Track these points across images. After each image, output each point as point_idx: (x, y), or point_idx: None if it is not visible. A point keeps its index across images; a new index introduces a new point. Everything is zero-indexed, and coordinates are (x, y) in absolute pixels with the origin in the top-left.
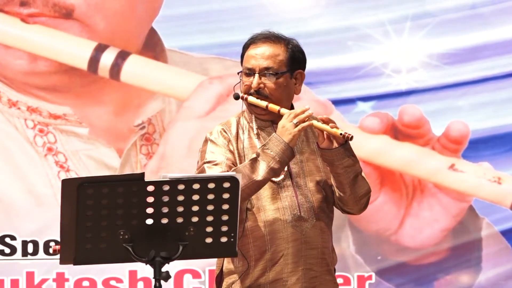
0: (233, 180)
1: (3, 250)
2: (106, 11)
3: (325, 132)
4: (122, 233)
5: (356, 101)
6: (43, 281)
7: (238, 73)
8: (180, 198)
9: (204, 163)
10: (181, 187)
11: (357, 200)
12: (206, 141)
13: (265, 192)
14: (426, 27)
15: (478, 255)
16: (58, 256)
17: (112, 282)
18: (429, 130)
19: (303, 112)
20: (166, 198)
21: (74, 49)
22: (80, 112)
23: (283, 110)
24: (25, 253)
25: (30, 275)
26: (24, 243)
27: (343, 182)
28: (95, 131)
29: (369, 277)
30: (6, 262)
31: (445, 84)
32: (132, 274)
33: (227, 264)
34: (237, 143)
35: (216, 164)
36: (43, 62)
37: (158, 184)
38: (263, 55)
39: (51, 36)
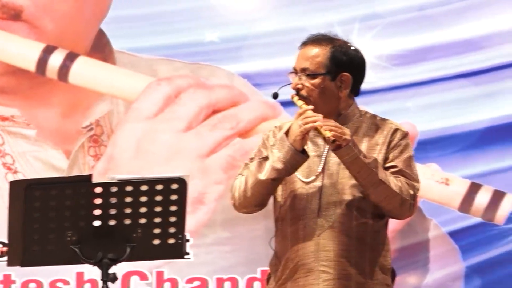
0: (181, 181)
1: None
2: (55, 13)
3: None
4: (69, 234)
5: None
6: None
7: (288, 74)
8: (128, 199)
9: (249, 158)
10: (128, 188)
11: (386, 203)
12: (261, 138)
13: (295, 191)
14: (374, 28)
15: (425, 256)
16: (5, 258)
17: (59, 284)
18: None
19: (312, 115)
20: (113, 200)
21: (22, 51)
22: (28, 113)
23: (308, 113)
24: None
25: None
26: None
27: (361, 184)
28: (43, 132)
29: None
30: None
31: (393, 85)
32: (79, 275)
33: (270, 261)
34: None
35: (252, 161)
36: None
37: (105, 185)
38: (304, 55)
39: None
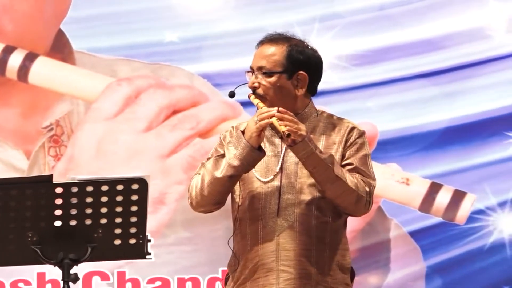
0: (142, 182)
1: None
2: (14, 13)
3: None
4: (30, 235)
5: None
6: None
7: (246, 72)
8: (89, 200)
9: (206, 158)
10: (89, 188)
11: (341, 200)
12: (218, 138)
13: (253, 191)
14: (334, 28)
15: (386, 256)
16: None
17: (21, 285)
18: None
19: (267, 111)
20: (74, 200)
21: None
22: None
23: (262, 109)
24: None
25: None
26: None
27: (317, 180)
28: (2, 133)
29: None
30: None
31: (353, 85)
32: (41, 276)
33: (228, 262)
34: None
35: (208, 160)
36: None
37: (66, 186)
38: (261, 54)
39: None
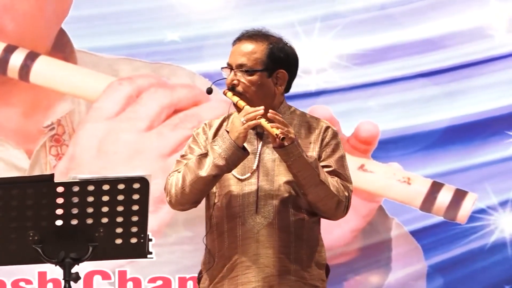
0: (143, 181)
1: None
2: (15, 12)
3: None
4: (31, 234)
5: None
6: None
7: (222, 68)
8: (90, 199)
9: (180, 156)
10: (90, 188)
11: (322, 204)
12: (191, 135)
13: (230, 188)
14: (335, 28)
15: (387, 255)
16: None
17: (22, 284)
18: (338, 131)
19: (254, 110)
20: (76, 199)
21: None
22: None
23: (245, 108)
24: None
25: None
26: None
27: (300, 183)
28: (4, 132)
29: None
30: None
31: (354, 84)
32: (42, 275)
33: (202, 260)
34: (214, 138)
35: (185, 158)
36: None
37: (67, 185)
38: (240, 52)
39: None
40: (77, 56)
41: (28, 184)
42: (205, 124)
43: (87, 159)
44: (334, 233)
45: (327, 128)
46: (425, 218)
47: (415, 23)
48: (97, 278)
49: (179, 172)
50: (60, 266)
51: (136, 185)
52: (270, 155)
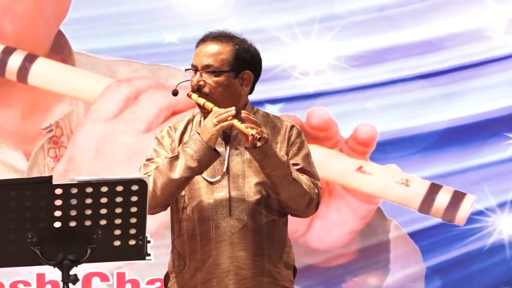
0: (141, 182)
1: None
2: (14, 14)
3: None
4: (30, 236)
5: (264, 104)
6: None
7: (186, 70)
8: (88, 201)
9: (145, 160)
10: (89, 190)
11: (294, 202)
12: (155, 138)
13: (200, 191)
14: (334, 29)
15: (386, 257)
16: None
17: (20, 286)
18: (337, 133)
19: (225, 111)
20: (74, 201)
21: None
22: None
23: (214, 109)
24: None
25: None
26: None
27: (274, 182)
28: (2, 134)
29: None
30: None
31: (353, 86)
32: (40, 277)
33: (170, 262)
34: (181, 141)
35: (152, 162)
36: None
37: (66, 187)
38: (206, 53)
39: None
40: (75, 58)
41: (26, 186)
42: (170, 127)
43: (85, 161)
44: (332, 235)
45: (292, 127)
46: (424, 219)
47: (414, 24)
48: (95, 280)
49: (149, 175)
50: (59, 268)
51: (135, 187)
52: (239, 156)
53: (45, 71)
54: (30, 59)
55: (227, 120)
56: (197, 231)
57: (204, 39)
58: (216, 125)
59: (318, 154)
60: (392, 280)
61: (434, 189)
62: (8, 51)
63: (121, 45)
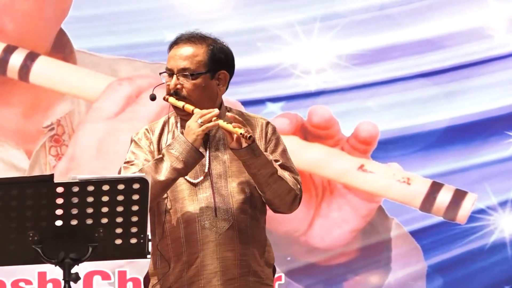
0: (143, 181)
1: None
2: (15, 13)
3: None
4: (31, 234)
5: (265, 102)
6: None
7: (160, 74)
8: (90, 199)
9: (124, 163)
10: (90, 188)
11: (280, 199)
12: (131, 141)
13: (183, 193)
14: (335, 28)
15: (387, 255)
16: None
17: (22, 284)
18: (338, 131)
19: (209, 112)
20: (75, 200)
21: None
22: None
23: (196, 111)
24: None
25: None
26: None
27: (260, 182)
28: (3, 132)
29: (279, 278)
30: None
31: (354, 85)
32: (42, 275)
33: (151, 265)
34: (159, 143)
35: (132, 165)
36: None
37: (67, 185)
38: (181, 55)
39: None
40: (77, 57)
41: (27, 185)
42: (146, 129)
43: (86, 159)
44: (333, 234)
45: (267, 123)
46: (425, 218)
47: (415, 23)
48: (97, 279)
49: None
50: (60, 266)
51: (136, 186)
52: (219, 157)
53: (46, 70)
54: (31, 57)
55: (211, 121)
56: (182, 233)
57: (177, 42)
58: (201, 125)
59: (320, 152)
60: (394, 279)
61: (435, 188)
62: (10, 49)
63: (122, 43)
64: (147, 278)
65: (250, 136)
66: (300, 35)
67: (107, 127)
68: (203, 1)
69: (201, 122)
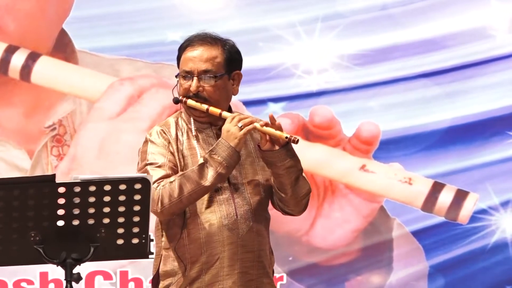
0: (144, 181)
1: None
2: (17, 12)
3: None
4: (33, 234)
5: (267, 102)
6: None
7: (176, 76)
8: (91, 199)
9: (146, 164)
10: (92, 188)
11: (298, 201)
12: (146, 141)
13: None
14: (336, 28)
15: (389, 255)
16: None
17: (24, 284)
18: (340, 131)
19: (247, 116)
20: (77, 200)
21: None
22: None
23: (225, 114)
24: None
25: None
26: None
27: (284, 183)
28: (5, 132)
29: (281, 278)
30: None
31: (355, 85)
32: (43, 275)
33: (163, 266)
34: (176, 144)
35: (159, 166)
36: None
37: (69, 185)
38: (201, 57)
39: None
40: (78, 57)
41: (29, 185)
42: (162, 130)
43: (88, 159)
44: (335, 234)
45: None
46: (427, 218)
47: (416, 23)
48: (98, 279)
49: (172, 182)
50: (62, 266)
51: (138, 186)
52: None
53: (48, 70)
54: (33, 57)
55: (250, 124)
56: (202, 234)
57: (191, 44)
58: (242, 129)
59: (321, 152)
60: (395, 279)
61: (437, 188)
62: (11, 49)
63: (124, 43)
64: (156, 279)
65: (298, 140)
66: (302, 35)
67: (108, 127)
68: (205, 1)
69: (241, 126)
